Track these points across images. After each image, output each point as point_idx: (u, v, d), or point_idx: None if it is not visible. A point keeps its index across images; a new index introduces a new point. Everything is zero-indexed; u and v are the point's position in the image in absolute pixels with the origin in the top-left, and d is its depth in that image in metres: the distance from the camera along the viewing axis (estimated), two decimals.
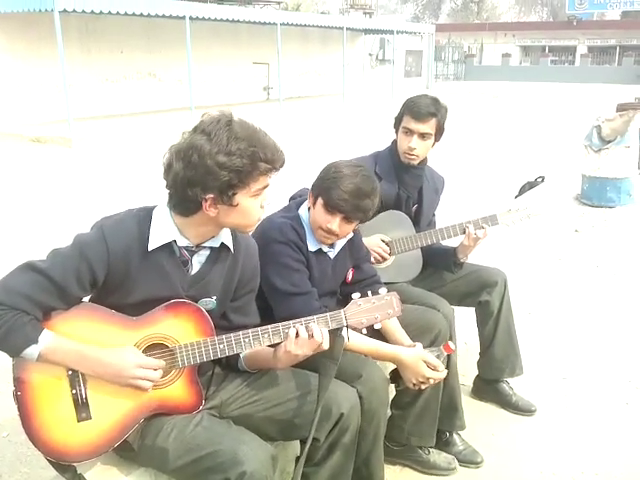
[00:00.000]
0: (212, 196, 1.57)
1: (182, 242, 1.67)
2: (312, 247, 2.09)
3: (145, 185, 7.68)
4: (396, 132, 2.65)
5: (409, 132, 2.56)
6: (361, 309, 1.76)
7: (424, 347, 2.14)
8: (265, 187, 1.64)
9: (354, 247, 2.28)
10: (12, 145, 11.24)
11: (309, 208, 2.11)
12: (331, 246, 2.17)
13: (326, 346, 1.72)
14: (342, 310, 1.76)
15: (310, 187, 2.11)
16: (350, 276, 2.30)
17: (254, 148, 1.55)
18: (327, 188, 2.00)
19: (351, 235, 2.21)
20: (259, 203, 1.65)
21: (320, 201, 2.03)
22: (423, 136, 2.55)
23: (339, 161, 2.09)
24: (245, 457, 1.55)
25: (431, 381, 2.09)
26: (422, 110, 2.52)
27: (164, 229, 1.65)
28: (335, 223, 2.02)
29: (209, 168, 1.53)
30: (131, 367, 1.60)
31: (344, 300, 2.30)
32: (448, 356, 2.38)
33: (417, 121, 2.53)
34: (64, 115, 12.10)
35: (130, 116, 14.81)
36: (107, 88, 15.43)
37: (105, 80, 15.44)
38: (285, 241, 2.01)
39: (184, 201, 1.60)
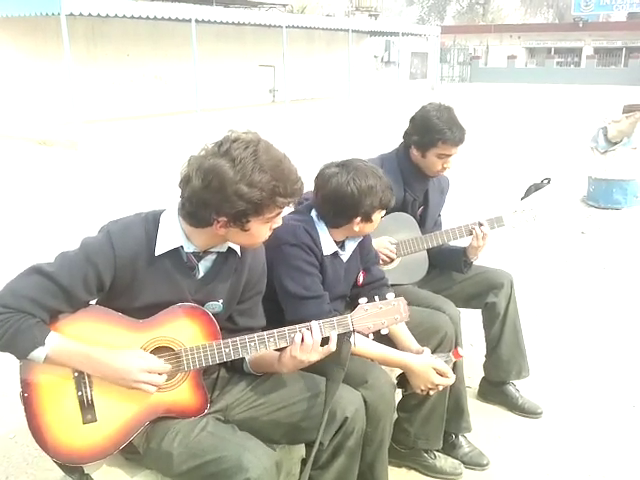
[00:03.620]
0: (225, 219, 1.57)
1: (189, 248, 1.67)
2: (327, 251, 2.09)
3: (151, 188, 7.71)
4: (420, 150, 2.60)
5: (445, 156, 2.58)
6: (368, 314, 1.75)
7: (431, 351, 2.13)
8: (278, 214, 1.64)
9: (364, 249, 2.28)
10: (19, 148, 11.29)
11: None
12: (343, 248, 2.16)
13: (333, 347, 1.71)
14: (349, 315, 1.75)
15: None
16: (362, 279, 2.29)
17: (275, 182, 1.53)
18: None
19: (361, 238, 2.21)
20: (269, 227, 1.66)
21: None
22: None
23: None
24: (250, 464, 1.55)
25: (440, 387, 2.08)
26: (459, 137, 2.54)
27: (172, 235, 1.65)
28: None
29: (227, 196, 1.52)
30: (136, 371, 1.60)
31: (352, 303, 2.31)
32: (454, 362, 2.37)
33: (455, 147, 2.56)
34: (71, 118, 12.16)
35: (136, 119, 14.86)
36: (113, 91, 15.47)
37: (111, 83, 15.49)
38: (298, 244, 2.01)
39: (195, 215, 1.60)
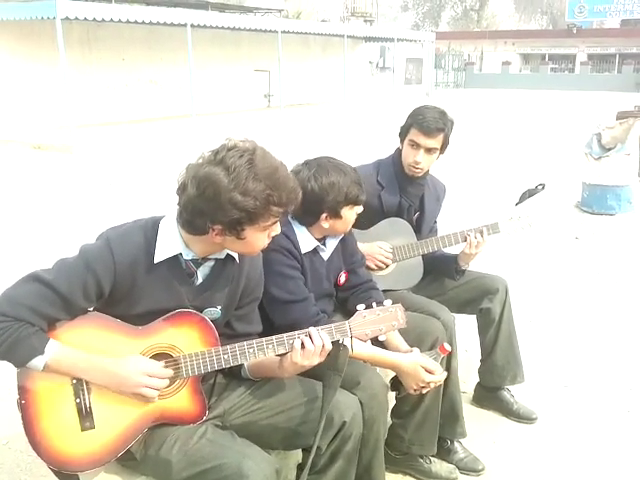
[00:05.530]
0: (220, 227, 1.57)
1: (188, 255, 1.68)
2: (305, 249, 2.09)
3: (147, 192, 7.71)
4: (401, 142, 2.64)
5: (416, 146, 2.55)
6: (366, 321, 1.76)
7: (421, 352, 2.14)
8: (274, 223, 1.64)
9: (347, 249, 2.29)
10: (14, 152, 11.26)
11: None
12: (324, 244, 2.17)
13: (329, 346, 1.72)
14: (347, 321, 1.75)
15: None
16: (343, 279, 2.30)
17: (270, 191, 1.54)
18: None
19: (341, 236, 2.22)
20: (266, 234, 1.66)
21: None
22: (430, 150, 2.56)
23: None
24: (250, 471, 1.55)
25: (432, 385, 2.09)
26: (431, 125, 2.50)
27: (170, 242, 1.66)
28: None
29: (221, 204, 1.52)
30: (137, 375, 1.60)
31: (340, 305, 2.33)
32: (449, 362, 2.38)
33: (425, 136, 2.52)
34: (66, 122, 12.14)
35: (131, 123, 14.85)
36: (108, 95, 15.47)
37: (107, 87, 15.48)
38: (277, 249, 2.00)
39: (192, 223, 1.60)
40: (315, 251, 2.15)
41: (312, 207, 2.04)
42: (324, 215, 2.06)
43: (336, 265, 2.26)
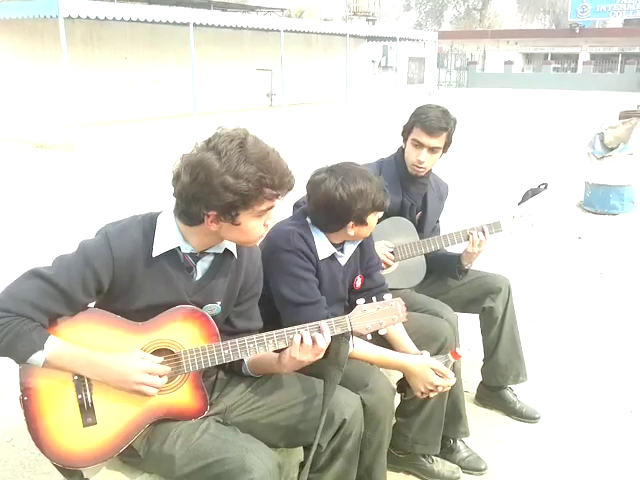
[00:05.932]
0: (214, 213, 1.58)
1: (186, 248, 1.68)
2: (322, 255, 2.08)
3: (149, 191, 7.71)
4: (404, 141, 2.64)
5: (419, 145, 2.55)
6: (365, 315, 1.76)
7: (431, 355, 2.14)
8: (270, 208, 1.64)
9: (365, 254, 2.27)
10: (16, 151, 11.27)
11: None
12: (342, 251, 2.16)
13: (328, 339, 1.71)
14: (346, 316, 1.76)
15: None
16: (359, 283, 2.28)
17: (262, 173, 1.54)
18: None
19: (360, 240, 2.21)
20: (262, 222, 1.65)
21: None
22: (433, 150, 2.55)
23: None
24: (253, 465, 1.55)
25: (440, 389, 2.08)
26: (434, 125, 2.50)
27: (168, 235, 1.66)
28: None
29: (214, 188, 1.53)
30: (136, 373, 1.60)
31: (351, 308, 2.31)
32: (453, 363, 2.37)
33: (428, 135, 2.52)
34: (68, 121, 12.14)
35: (134, 122, 14.84)
36: (111, 94, 15.46)
37: (109, 86, 15.48)
38: (292, 249, 2.00)
39: (187, 212, 1.61)
40: (333, 257, 2.13)
41: (340, 215, 2.02)
42: (351, 223, 2.04)
43: (353, 269, 2.24)
